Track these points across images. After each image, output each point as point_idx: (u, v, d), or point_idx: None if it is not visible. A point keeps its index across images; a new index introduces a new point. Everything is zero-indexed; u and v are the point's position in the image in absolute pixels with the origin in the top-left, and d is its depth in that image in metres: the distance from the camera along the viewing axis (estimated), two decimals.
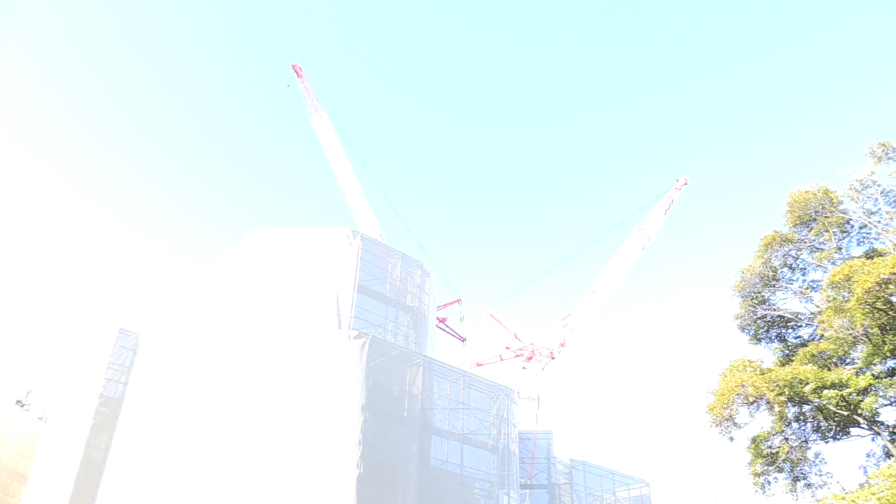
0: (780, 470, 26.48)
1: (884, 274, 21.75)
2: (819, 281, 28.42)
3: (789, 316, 29.07)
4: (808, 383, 23.71)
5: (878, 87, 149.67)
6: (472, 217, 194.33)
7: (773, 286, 29.48)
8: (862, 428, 25.06)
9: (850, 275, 23.03)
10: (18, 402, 61.02)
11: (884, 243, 26.62)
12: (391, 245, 45.86)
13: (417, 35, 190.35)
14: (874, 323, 23.18)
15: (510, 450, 38.59)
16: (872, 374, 23.60)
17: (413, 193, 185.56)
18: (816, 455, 26.64)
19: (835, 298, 24.48)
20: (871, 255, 26.19)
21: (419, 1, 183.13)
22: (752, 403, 24.98)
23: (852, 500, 19.44)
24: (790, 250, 28.99)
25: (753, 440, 27.09)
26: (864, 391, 23.38)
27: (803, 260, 29.14)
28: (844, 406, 23.99)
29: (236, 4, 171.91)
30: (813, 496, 25.85)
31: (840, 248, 27.82)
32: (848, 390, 23.32)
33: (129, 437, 39.43)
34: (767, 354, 29.95)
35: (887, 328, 23.57)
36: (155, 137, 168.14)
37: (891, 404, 23.98)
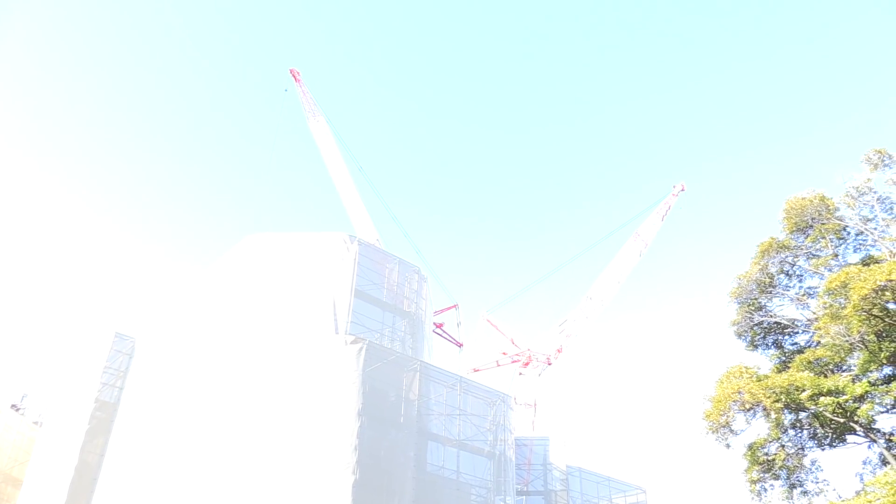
0: (777, 477, 26.44)
1: (880, 281, 21.76)
2: (815, 287, 28.45)
3: (786, 322, 29.09)
4: (804, 390, 23.69)
5: (875, 92, 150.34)
6: (469, 222, 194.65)
7: (770, 293, 29.50)
8: (858, 435, 25.03)
9: (847, 281, 23.04)
10: (13, 406, 60.82)
11: (880, 250, 26.66)
12: (388, 250, 45.89)
13: (415, 39, 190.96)
14: (871, 330, 23.18)
15: (507, 456, 38.52)
16: (869, 381, 23.58)
17: (410, 198, 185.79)
18: (813, 462, 26.60)
19: (831, 305, 24.49)
20: (867, 261, 26.20)
21: (417, 5, 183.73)
22: (748, 410, 24.94)
23: None
24: (787, 257, 29.02)
25: (750, 447, 27.06)
26: (861, 398, 23.35)
27: (800, 266, 29.17)
28: (841, 413, 23.96)
29: (236, 8, 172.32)
30: (809, 503, 25.82)
31: (836, 255, 27.86)
32: (844, 397, 23.30)
33: (124, 441, 39.33)
34: (764, 361, 29.98)
35: (884, 335, 23.57)
36: (152, 140, 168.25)
37: (887, 411, 23.98)
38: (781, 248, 28.94)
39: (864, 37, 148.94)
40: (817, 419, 25.56)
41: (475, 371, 70.66)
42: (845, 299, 23.31)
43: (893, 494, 19.16)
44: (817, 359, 25.95)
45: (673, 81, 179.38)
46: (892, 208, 27.26)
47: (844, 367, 25.92)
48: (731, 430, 25.52)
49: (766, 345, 30.04)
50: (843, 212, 28.01)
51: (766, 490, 26.54)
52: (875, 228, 27.11)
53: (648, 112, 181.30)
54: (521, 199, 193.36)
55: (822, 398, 23.48)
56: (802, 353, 27.28)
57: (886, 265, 22.39)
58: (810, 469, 26.43)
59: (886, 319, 22.94)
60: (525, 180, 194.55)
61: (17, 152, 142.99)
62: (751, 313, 29.60)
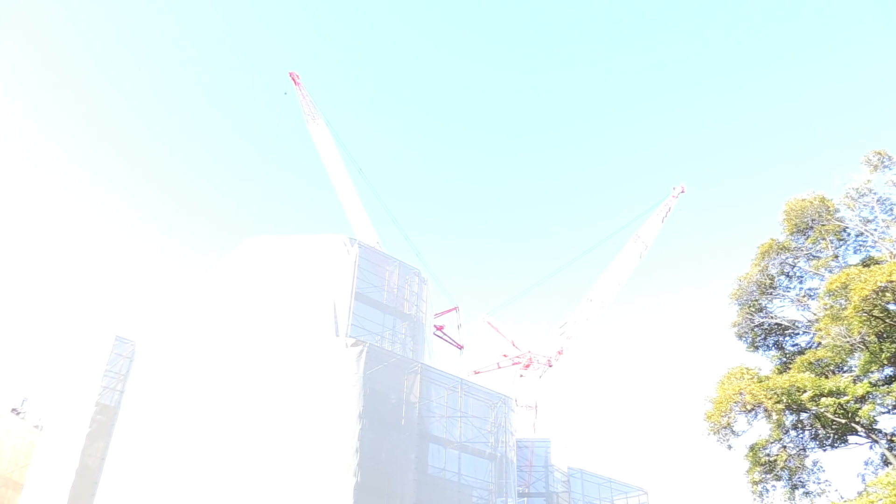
0: (779, 478, 26.45)
1: (881, 282, 21.80)
2: (816, 289, 28.48)
3: (787, 324, 29.11)
4: (805, 391, 23.71)
5: (876, 97, 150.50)
6: (470, 225, 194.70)
7: (771, 294, 29.51)
8: (860, 436, 25.05)
9: (847, 283, 23.08)
10: (14, 410, 60.79)
11: (880, 251, 26.70)
12: (388, 253, 45.92)
13: (415, 43, 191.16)
14: (871, 331, 23.21)
15: (508, 458, 38.51)
16: (870, 382, 23.62)
17: (410, 201, 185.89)
18: (814, 463, 26.62)
19: (832, 306, 24.52)
20: (867, 263, 26.24)
21: (417, 9, 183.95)
22: (749, 411, 24.97)
23: None
24: (787, 258, 29.05)
25: (751, 448, 27.07)
26: (862, 399, 23.38)
27: (800, 268, 29.19)
28: (842, 414, 23.98)
29: (236, 11, 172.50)
30: None
31: (837, 257, 27.88)
32: (845, 398, 23.33)
33: (125, 444, 39.32)
34: (765, 362, 29.99)
35: (884, 336, 23.60)
36: (152, 143, 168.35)
37: (888, 412, 24.00)
38: (782, 249, 28.97)
39: (865, 42, 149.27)
40: (819, 420, 25.58)
41: (476, 373, 70.71)
42: (846, 300, 23.34)
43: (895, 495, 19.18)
44: (818, 360, 25.97)
45: (672, 85, 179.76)
46: (892, 209, 27.28)
47: (845, 368, 25.95)
48: (733, 432, 25.54)
49: (767, 346, 30.06)
50: (843, 213, 28.04)
51: (767, 491, 26.56)
52: (875, 229, 27.14)
53: (649, 115, 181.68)
54: (521, 201, 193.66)
55: (823, 399, 23.51)
56: (803, 354, 27.29)
57: (887, 266, 22.43)
58: (812, 470, 26.45)
59: (887, 320, 22.98)
60: (525, 183, 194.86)
61: (18, 154, 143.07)
62: (751, 315, 29.61)
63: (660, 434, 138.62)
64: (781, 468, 26.16)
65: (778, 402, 23.94)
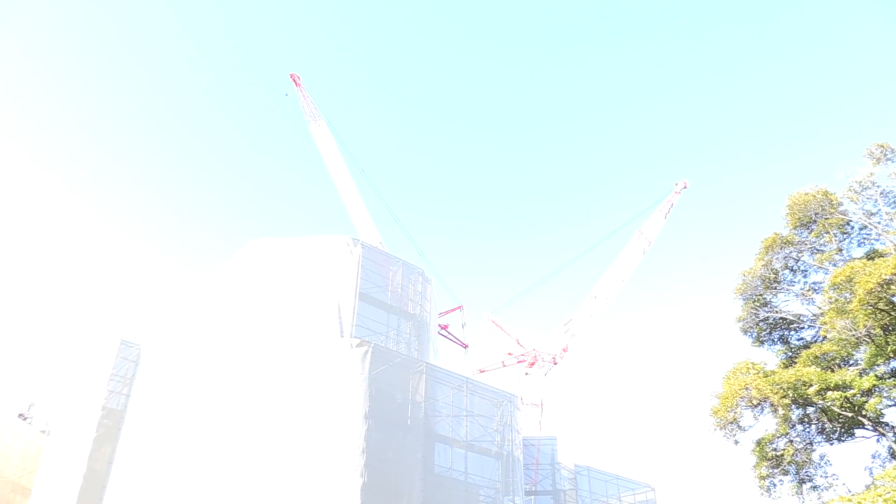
0: (786, 472, 26.43)
1: (885, 275, 21.78)
2: (820, 282, 28.44)
3: (791, 318, 29.08)
4: (811, 385, 23.70)
5: (877, 91, 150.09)
6: (473, 223, 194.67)
7: (775, 288, 29.50)
8: (867, 429, 25.04)
9: (852, 276, 23.06)
10: (21, 415, 60.94)
11: (884, 244, 26.65)
12: (392, 252, 45.90)
13: (416, 43, 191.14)
14: (877, 324, 23.19)
15: (514, 456, 38.51)
16: (876, 375, 23.60)
17: (413, 201, 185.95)
18: (821, 457, 26.61)
19: (837, 300, 24.50)
20: (872, 255, 26.23)
21: (418, 9, 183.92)
22: (756, 406, 24.95)
23: (858, 502, 19.41)
24: (791, 252, 29.02)
25: (758, 443, 27.06)
26: (868, 392, 23.38)
27: (804, 262, 29.17)
28: (849, 407, 23.97)
29: (237, 12, 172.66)
30: (819, 498, 25.81)
31: (841, 250, 27.85)
32: (852, 392, 23.32)
33: (132, 448, 39.37)
34: (770, 357, 30.00)
35: (890, 329, 23.57)
36: (152, 144, 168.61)
37: (895, 405, 23.97)
38: (785, 243, 28.94)
39: (866, 37, 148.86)
40: (825, 414, 25.57)
41: (481, 372, 70.72)
42: (851, 294, 23.33)
43: None
44: (824, 353, 25.95)
45: (674, 80, 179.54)
46: (895, 202, 27.24)
47: (851, 362, 25.93)
48: (739, 427, 25.55)
49: (773, 340, 30.04)
50: (846, 206, 28.00)
51: (775, 486, 26.55)
52: (879, 222, 27.09)
53: (651, 111, 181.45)
54: (523, 198, 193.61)
55: (829, 393, 23.51)
56: (809, 348, 27.27)
57: (891, 259, 22.41)
58: (819, 464, 26.44)
59: (892, 313, 22.96)
60: (527, 180, 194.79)
61: (18, 154, 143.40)
62: (756, 309, 29.61)
63: (666, 430, 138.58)
64: (788, 463, 26.15)
65: (784, 397, 23.93)
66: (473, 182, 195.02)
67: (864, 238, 28.07)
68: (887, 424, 24.61)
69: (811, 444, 26.67)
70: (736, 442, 25.84)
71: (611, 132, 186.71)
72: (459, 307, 64.52)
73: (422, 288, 41.40)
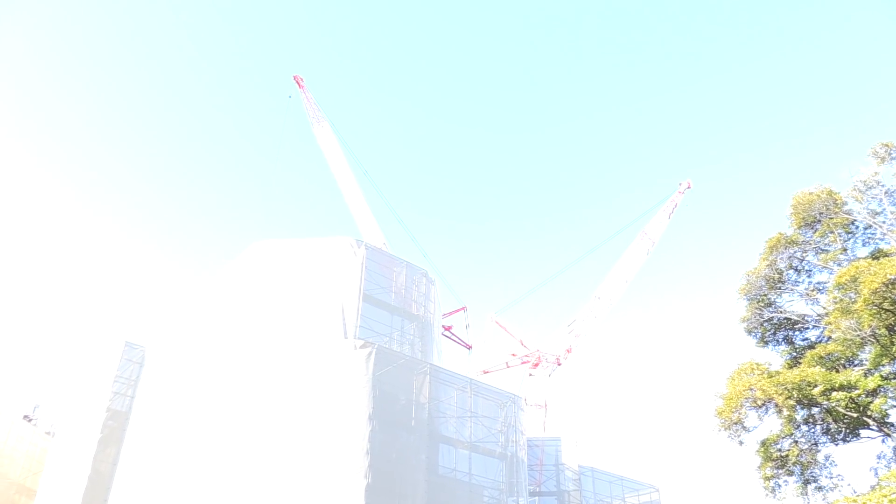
0: (791, 473, 26.35)
1: (890, 274, 21.71)
2: (825, 282, 28.37)
3: (796, 318, 29.00)
4: (816, 385, 23.63)
5: (881, 90, 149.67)
6: (476, 224, 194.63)
7: (779, 288, 29.42)
8: (872, 430, 24.94)
9: (857, 276, 23.00)
10: (26, 417, 61.16)
11: (889, 243, 26.55)
12: (395, 254, 45.95)
13: (419, 44, 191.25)
14: (882, 324, 23.12)
15: (518, 457, 38.49)
16: (881, 376, 23.52)
17: (416, 202, 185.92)
18: (826, 457, 26.51)
19: (841, 300, 24.43)
20: (876, 255, 26.13)
21: (420, 10, 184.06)
22: (760, 407, 24.91)
23: (863, 503, 19.34)
24: (795, 252, 28.94)
25: (763, 444, 26.98)
26: (873, 392, 23.29)
27: (808, 262, 29.08)
28: (853, 408, 23.89)
29: (240, 14, 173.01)
30: (824, 499, 25.72)
31: (845, 250, 27.76)
32: (857, 392, 23.24)
33: (136, 450, 39.47)
34: (775, 357, 29.88)
35: (895, 329, 23.49)
36: (155, 145, 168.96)
37: None
38: (790, 243, 28.86)
39: (869, 35, 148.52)
40: (830, 414, 25.49)
41: (485, 373, 70.70)
42: (855, 293, 23.26)
43: None
44: (828, 354, 25.89)
45: (677, 80, 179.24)
46: None
47: (856, 362, 25.86)
48: (744, 427, 25.49)
49: (777, 341, 29.97)
50: (850, 206, 27.91)
51: (780, 486, 26.46)
52: (884, 222, 27.00)
53: (655, 112, 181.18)
54: (526, 199, 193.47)
55: (834, 393, 23.43)
56: (813, 348, 27.20)
57: None
58: (824, 464, 26.34)
59: None
60: (531, 181, 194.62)
61: (18, 154, 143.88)
62: (760, 309, 29.53)
63: (670, 431, 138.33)
64: (793, 463, 26.07)
65: (789, 397, 23.87)
66: (477, 183, 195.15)
67: (869, 238, 27.98)
68: (892, 425, 24.52)
69: (816, 444, 26.58)
70: (740, 443, 25.79)
71: (613, 132, 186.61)
72: (463, 308, 64.51)
73: (425, 289, 41.43)
